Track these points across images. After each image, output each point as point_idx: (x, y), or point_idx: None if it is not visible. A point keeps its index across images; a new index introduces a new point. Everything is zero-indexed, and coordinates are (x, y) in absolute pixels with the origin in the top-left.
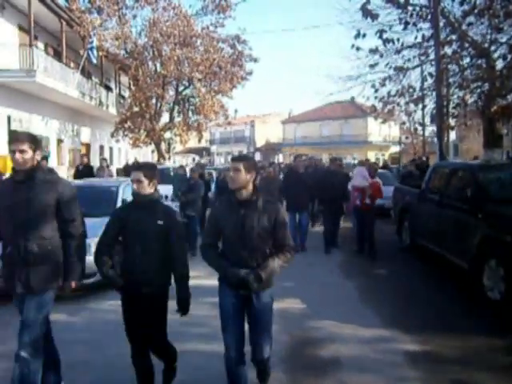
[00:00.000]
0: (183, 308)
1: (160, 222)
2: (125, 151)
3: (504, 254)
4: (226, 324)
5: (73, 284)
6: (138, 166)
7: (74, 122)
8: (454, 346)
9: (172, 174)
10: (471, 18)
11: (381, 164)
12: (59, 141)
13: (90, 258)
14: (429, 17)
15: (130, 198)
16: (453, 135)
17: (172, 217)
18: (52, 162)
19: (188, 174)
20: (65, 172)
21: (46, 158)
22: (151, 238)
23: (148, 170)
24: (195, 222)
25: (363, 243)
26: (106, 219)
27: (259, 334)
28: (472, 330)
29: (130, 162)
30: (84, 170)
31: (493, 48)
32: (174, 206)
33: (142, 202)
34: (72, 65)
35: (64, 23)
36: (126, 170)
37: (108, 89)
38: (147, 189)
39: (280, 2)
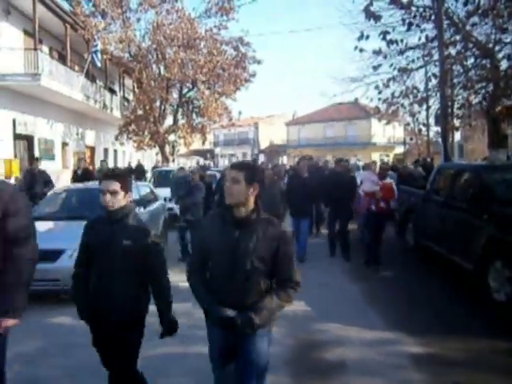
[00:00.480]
0: (170, 332)
1: (127, 242)
2: (129, 154)
3: (510, 255)
4: (214, 366)
5: (9, 322)
6: (112, 174)
7: (78, 125)
8: (458, 348)
9: (171, 176)
10: (475, 19)
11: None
12: (64, 144)
13: None
14: (432, 17)
15: (136, 198)
16: (457, 136)
17: (143, 236)
18: (57, 166)
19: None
20: (69, 175)
21: (37, 159)
22: (117, 259)
23: (124, 178)
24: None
25: (372, 254)
26: None
27: (249, 380)
28: (476, 332)
29: (134, 164)
30: (83, 174)
31: (497, 48)
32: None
33: (113, 217)
34: (76, 68)
35: (68, 27)
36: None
37: (112, 92)
38: (121, 202)
39: (284, 4)
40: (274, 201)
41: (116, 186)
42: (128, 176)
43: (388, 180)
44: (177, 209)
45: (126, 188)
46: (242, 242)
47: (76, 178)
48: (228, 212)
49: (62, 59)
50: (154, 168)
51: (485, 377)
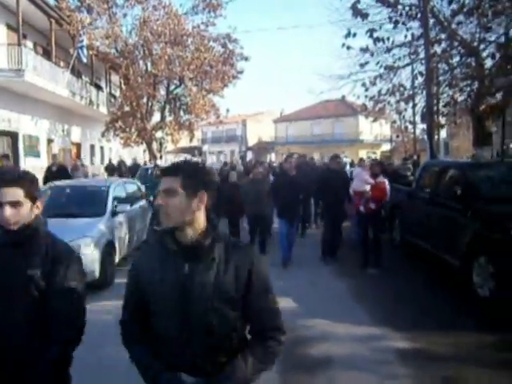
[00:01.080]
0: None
1: (32, 272)
2: (116, 151)
3: (493, 252)
4: None
5: None
6: (12, 178)
7: (64, 122)
8: (444, 343)
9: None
10: (460, 17)
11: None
12: (49, 140)
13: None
14: (418, 16)
15: (123, 195)
16: (443, 133)
17: (60, 258)
18: (42, 163)
19: None
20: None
21: (7, 156)
22: (18, 293)
23: (31, 184)
24: None
25: (368, 256)
26: (96, 219)
27: None
28: (461, 327)
29: (115, 161)
30: (58, 171)
31: (482, 47)
32: None
33: (15, 238)
34: (62, 64)
35: (53, 22)
36: (109, 170)
37: (98, 88)
38: (25, 216)
39: (275, 2)
40: (260, 201)
41: (18, 194)
42: (34, 179)
43: (381, 179)
44: None
45: (33, 196)
46: (196, 277)
47: (50, 175)
48: (169, 238)
49: (47, 55)
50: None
51: (470, 371)
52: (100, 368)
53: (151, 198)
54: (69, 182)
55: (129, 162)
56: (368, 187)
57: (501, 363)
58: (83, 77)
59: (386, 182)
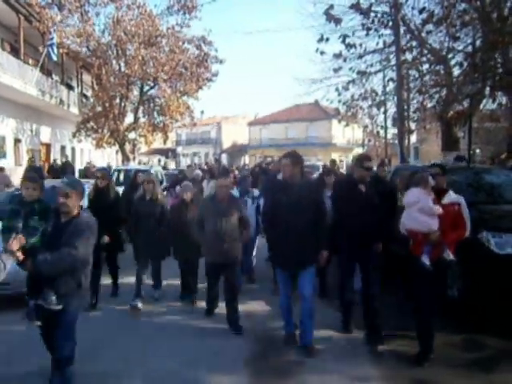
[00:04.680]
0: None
1: None
2: (88, 152)
3: (461, 254)
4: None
5: None
6: None
7: (32, 122)
8: (415, 344)
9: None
10: (430, 27)
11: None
12: (16, 140)
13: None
14: (390, 24)
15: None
16: (413, 138)
17: None
18: (9, 163)
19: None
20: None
21: None
22: None
23: None
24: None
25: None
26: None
27: None
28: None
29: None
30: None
31: (450, 55)
32: None
33: None
34: (31, 62)
35: (22, 18)
36: (53, 171)
37: (70, 87)
38: None
39: (247, 4)
40: (223, 235)
41: None
42: None
43: (451, 197)
44: None
45: None
46: None
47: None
48: None
49: (15, 52)
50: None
51: (440, 370)
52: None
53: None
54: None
55: (104, 164)
56: (435, 222)
57: (468, 363)
58: (53, 76)
59: (462, 201)
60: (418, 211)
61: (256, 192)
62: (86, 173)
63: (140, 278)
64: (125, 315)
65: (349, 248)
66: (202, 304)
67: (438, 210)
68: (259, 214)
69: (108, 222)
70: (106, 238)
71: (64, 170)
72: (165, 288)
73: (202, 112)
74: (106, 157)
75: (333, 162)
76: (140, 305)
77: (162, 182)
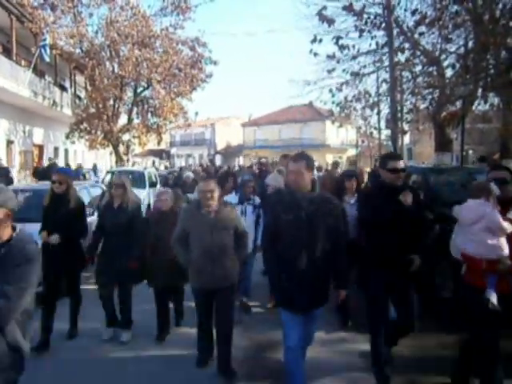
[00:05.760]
0: None
1: None
2: (81, 153)
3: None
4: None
5: None
6: None
7: (25, 123)
8: (408, 345)
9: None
10: (422, 28)
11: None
12: (9, 142)
13: None
14: (383, 25)
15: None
16: (407, 139)
17: None
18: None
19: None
20: (15, 174)
21: None
22: None
23: None
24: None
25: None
26: None
27: None
28: (424, 328)
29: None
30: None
31: (443, 57)
32: None
33: None
34: (23, 63)
35: (14, 19)
36: (38, 174)
37: (63, 89)
38: None
39: (241, 5)
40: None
41: None
42: None
43: None
44: None
45: None
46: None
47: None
48: None
49: (7, 53)
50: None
51: (433, 372)
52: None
53: None
54: (24, 186)
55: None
56: (506, 246)
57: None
58: (46, 77)
59: None
60: (484, 231)
61: (257, 200)
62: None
63: (107, 299)
64: (83, 364)
65: (384, 278)
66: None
67: (509, 228)
68: (259, 225)
69: (66, 237)
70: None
71: (49, 172)
72: (137, 327)
73: (197, 113)
74: (100, 158)
75: (335, 163)
76: (121, 336)
77: (155, 184)
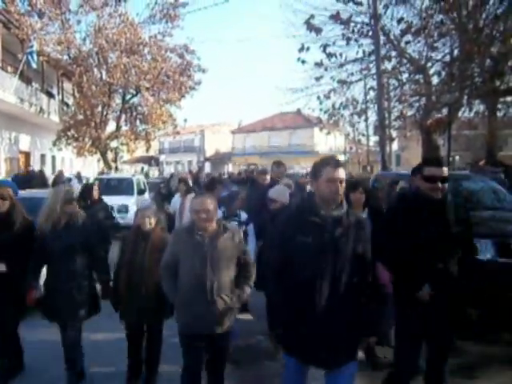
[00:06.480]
0: None
1: None
2: (69, 160)
3: None
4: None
5: None
6: None
7: (11, 130)
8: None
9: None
10: (408, 37)
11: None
12: None
13: None
14: (370, 34)
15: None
16: (395, 145)
17: None
18: None
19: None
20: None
21: None
22: None
23: None
24: None
25: None
26: None
27: None
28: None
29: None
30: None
31: (429, 65)
32: None
33: None
34: (9, 69)
35: (0, 25)
36: (19, 181)
37: (50, 95)
38: None
39: (228, 13)
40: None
41: None
42: None
43: None
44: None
45: None
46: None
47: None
48: None
49: None
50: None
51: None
52: None
53: None
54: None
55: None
56: None
57: (451, 370)
58: (33, 83)
59: None
60: None
61: (244, 215)
62: (57, 181)
63: (71, 345)
64: None
65: (417, 314)
66: None
67: None
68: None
69: (9, 264)
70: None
71: (30, 179)
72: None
73: (186, 120)
74: (88, 165)
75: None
76: None
77: (143, 192)
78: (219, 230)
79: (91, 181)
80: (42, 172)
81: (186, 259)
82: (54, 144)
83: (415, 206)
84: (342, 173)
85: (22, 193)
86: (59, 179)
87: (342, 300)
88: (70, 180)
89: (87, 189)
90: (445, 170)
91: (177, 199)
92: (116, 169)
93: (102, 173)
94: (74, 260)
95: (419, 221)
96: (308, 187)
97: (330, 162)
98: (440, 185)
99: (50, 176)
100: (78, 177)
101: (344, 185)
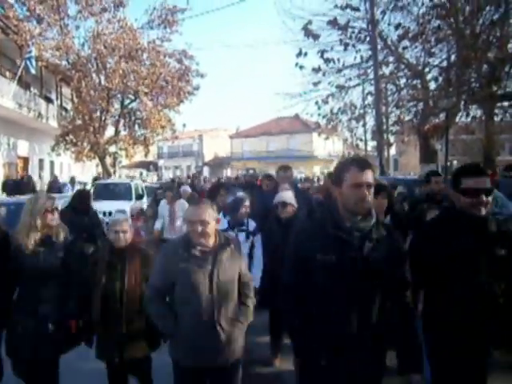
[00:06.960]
0: None
1: None
2: (67, 165)
3: None
4: None
5: None
6: None
7: (9, 135)
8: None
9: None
10: (406, 42)
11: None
12: None
13: None
14: (367, 39)
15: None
16: (393, 150)
17: None
18: None
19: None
20: None
21: None
22: None
23: None
24: None
25: None
26: None
27: None
28: None
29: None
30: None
31: (426, 70)
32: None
33: None
34: (8, 74)
35: None
36: (8, 187)
37: (49, 100)
38: None
39: (225, 19)
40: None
41: None
42: None
43: None
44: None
45: None
46: None
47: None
48: None
49: None
50: (95, 180)
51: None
52: None
53: None
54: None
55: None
56: None
57: None
58: (32, 89)
59: None
60: None
61: (252, 224)
62: (52, 186)
63: None
64: None
65: (455, 347)
66: None
67: None
68: (252, 259)
69: None
70: None
71: (22, 186)
72: None
73: (184, 125)
74: (86, 170)
75: (330, 174)
76: None
77: (142, 197)
78: (221, 244)
79: (88, 186)
80: (29, 177)
81: (184, 281)
82: (53, 149)
83: (455, 229)
84: (370, 176)
85: (10, 199)
86: (55, 184)
87: (374, 330)
88: (65, 185)
89: (81, 196)
90: (486, 180)
91: (163, 205)
92: (114, 173)
93: (97, 178)
94: (48, 284)
95: (456, 238)
96: (313, 194)
97: (354, 163)
98: (484, 198)
99: (47, 181)
100: (72, 182)
101: (373, 190)
